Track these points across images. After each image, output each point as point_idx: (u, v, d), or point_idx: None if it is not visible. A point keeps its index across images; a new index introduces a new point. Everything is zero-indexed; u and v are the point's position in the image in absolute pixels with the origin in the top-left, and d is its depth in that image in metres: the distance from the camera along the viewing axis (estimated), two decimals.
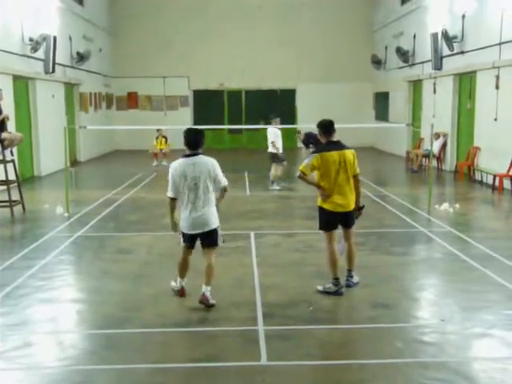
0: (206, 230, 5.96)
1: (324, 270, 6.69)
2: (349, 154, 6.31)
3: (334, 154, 6.22)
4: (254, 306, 6.02)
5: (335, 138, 6.42)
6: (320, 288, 6.41)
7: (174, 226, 6.15)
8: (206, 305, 5.94)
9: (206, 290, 5.97)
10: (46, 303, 6.28)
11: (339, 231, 6.58)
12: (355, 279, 6.64)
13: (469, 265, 7.49)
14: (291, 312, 5.89)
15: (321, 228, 6.47)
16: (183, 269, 6.26)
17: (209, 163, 5.94)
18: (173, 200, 6.02)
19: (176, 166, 5.94)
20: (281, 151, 13.87)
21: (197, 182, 5.84)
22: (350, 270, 6.62)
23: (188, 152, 5.97)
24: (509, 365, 4.74)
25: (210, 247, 6.08)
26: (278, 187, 13.81)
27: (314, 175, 6.46)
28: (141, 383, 4.56)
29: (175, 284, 6.38)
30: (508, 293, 6.42)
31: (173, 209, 6.08)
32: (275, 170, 13.95)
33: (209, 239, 6.03)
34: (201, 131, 6.12)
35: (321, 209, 6.41)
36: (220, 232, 6.12)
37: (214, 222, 6.01)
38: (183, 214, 6.00)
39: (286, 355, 4.93)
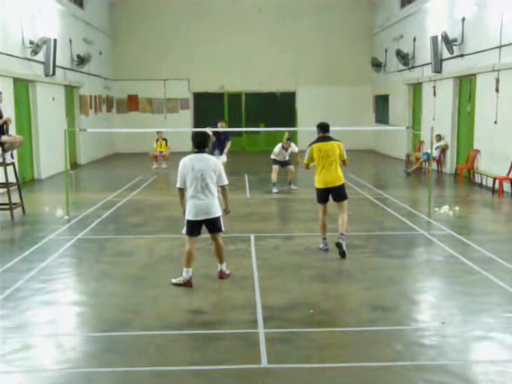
0: (210, 217, 6.77)
1: (324, 273, 6.69)
2: (334, 144, 8.22)
3: (320, 145, 8.21)
4: (255, 309, 6.01)
5: (328, 135, 8.31)
6: (321, 246, 8.25)
7: (185, 212, 6.90)
8: (224, 278, 7.03)
9: (222, 267, 7.07)
10: (46, 306, 6.27)
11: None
12: (344, 242, 7.90)
13: (469, 267, 7.49)
14: (291, 315, 5.89)
15: (318, 201, 8.31)
16: (189, 258, 6.79)
17: (213, 160, 6.96)
18: (180, 190, 6.91)
19: (186, 159, 6.87)
20: (281, 156, 13.85)
21: (203, 174, 6.71)
22: (342, 234, 7.95)
23: (196, 151, 6.98)
24: (508, 368, 4.74)
25: (216, 232, 6.96)
26: (293, 187, 13.99)
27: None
28: None
29: (176, 280, 6.81)
30: (508, 296, 6.42)
31: (182, 198, 6.95)
32: (282, 172, 14.08)
33: (213, 226, 6.89)
34: (205, 134, 7.23)
35: (316, 188, 8.29)
36: (222, 219, 7.02)
37: (216, 211, 6.83)
38: (189, 202, 6.79)
39: (286, 358, 4.93)
